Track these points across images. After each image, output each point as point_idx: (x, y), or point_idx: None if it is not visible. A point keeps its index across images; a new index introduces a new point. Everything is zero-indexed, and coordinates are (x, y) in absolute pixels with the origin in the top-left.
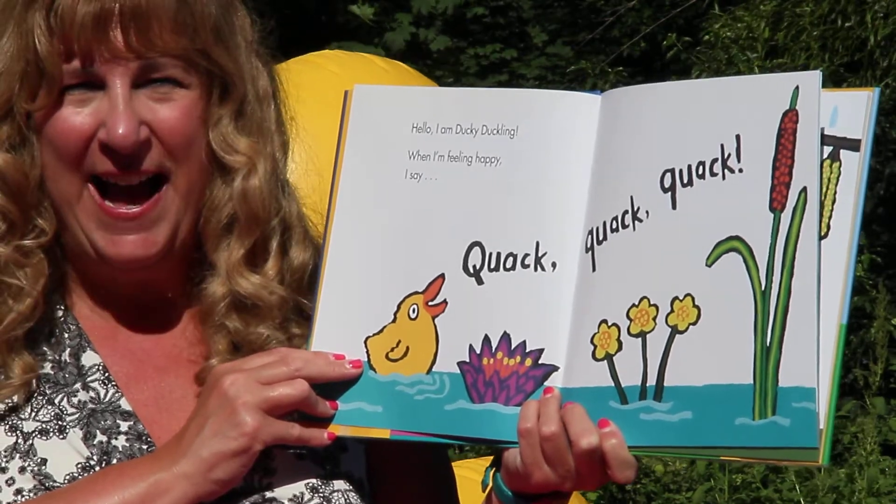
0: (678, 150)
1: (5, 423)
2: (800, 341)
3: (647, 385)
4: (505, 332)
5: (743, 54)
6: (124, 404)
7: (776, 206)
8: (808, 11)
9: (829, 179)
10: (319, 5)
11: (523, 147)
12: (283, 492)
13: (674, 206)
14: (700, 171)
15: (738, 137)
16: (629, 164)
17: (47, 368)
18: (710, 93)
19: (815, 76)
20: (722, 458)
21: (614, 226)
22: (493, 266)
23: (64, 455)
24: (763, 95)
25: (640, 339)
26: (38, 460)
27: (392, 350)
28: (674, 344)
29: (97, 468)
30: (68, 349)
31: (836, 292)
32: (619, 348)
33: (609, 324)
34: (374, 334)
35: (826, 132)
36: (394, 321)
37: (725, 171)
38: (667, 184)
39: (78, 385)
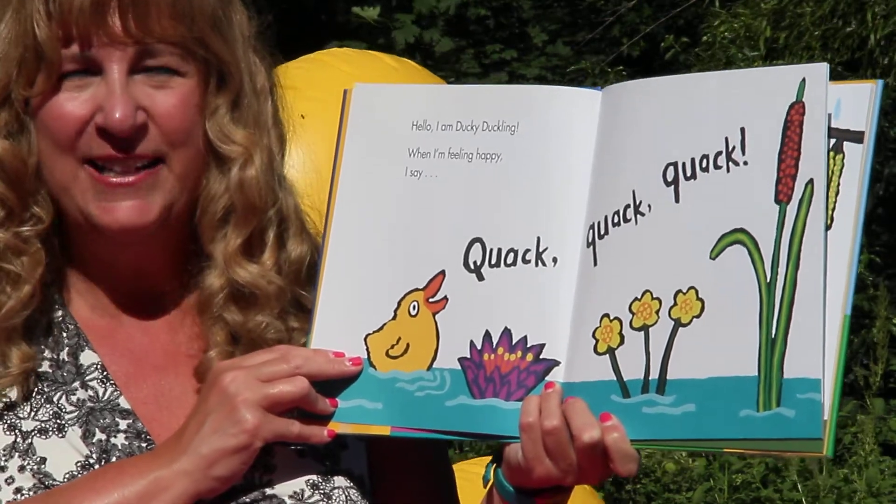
0: (681, 144)
1: (4, 422)
2: (805, 332)
3: (650, 378)
4: (506, 328)
5: (741, 53)
6: (123, 402)
7: (782, 198)
8: (808, 12)
9: (832, 171)
10: (319, 4)
11: (524, 143)
12: (284, 489)
13: (677, 200)
14: (704, 165)
15: (742, 130)
16: (631, 159)
17: (46, 367)
18: (714, 86)
19: (823, 68)
20: (725, 450)
21: (616, 220)
22: (493, 262)
23: (63, 453)
24: (769, 88)
25: (642, 332)
26: (38, 459)
27: (392, 347)
28: (677, 337)
29: (96, 466)
30: (66, 348)
31: (840, 283)
32: (622, 342)
33: (611, 318)
34: (374, 331)
35: (830, 124)
36: (394, 318)
37: (730, 163)
38: (669, 177)
39: (76, 384)
